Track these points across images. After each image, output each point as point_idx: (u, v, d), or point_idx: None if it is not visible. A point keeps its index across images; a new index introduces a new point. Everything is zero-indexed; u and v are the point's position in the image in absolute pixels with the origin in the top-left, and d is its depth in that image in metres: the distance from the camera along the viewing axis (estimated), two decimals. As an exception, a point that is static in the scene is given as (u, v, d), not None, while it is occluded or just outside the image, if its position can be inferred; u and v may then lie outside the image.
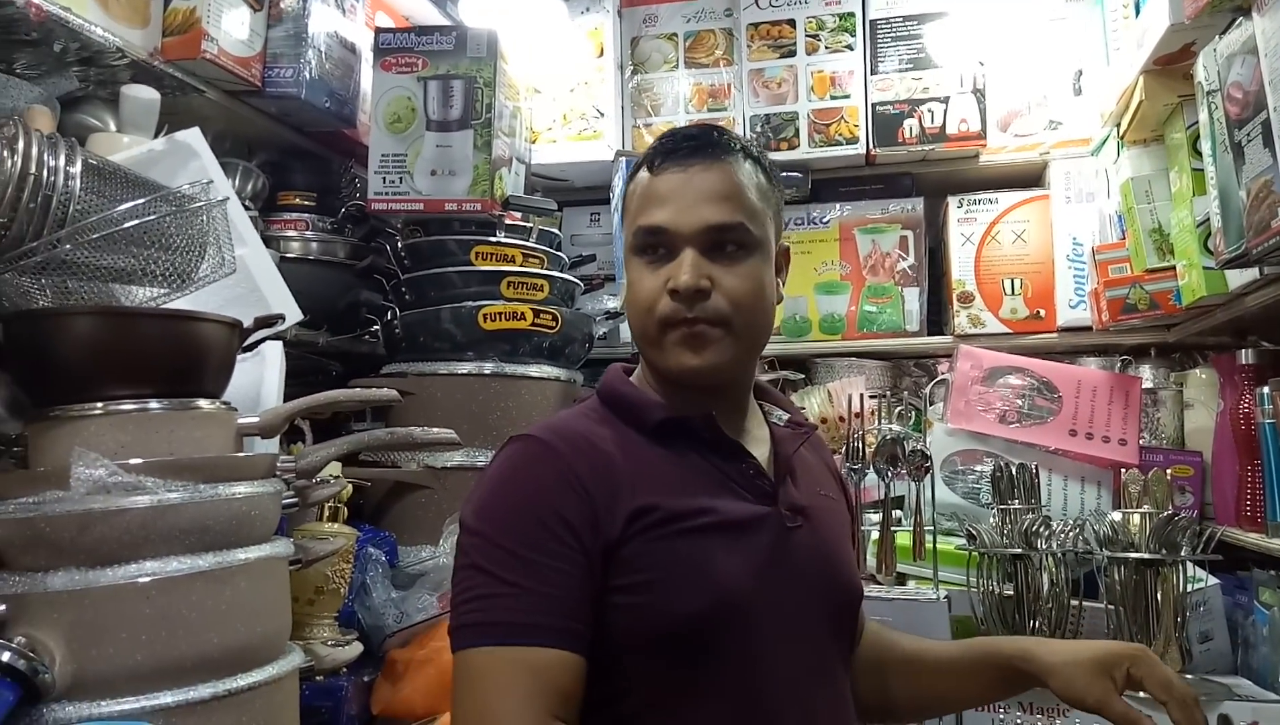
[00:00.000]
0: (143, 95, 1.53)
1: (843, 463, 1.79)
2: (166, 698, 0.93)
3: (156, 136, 1.54)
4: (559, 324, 1.86)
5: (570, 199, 2.36)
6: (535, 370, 1.84)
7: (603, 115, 2.26)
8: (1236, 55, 1.28)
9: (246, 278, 1.42)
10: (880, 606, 1.59)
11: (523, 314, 1.81)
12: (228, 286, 1.35)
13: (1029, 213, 2.16)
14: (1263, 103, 1.19)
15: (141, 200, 1.06)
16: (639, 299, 0.98)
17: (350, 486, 1.49)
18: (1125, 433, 1.88)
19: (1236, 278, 1.50)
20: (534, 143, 2.24)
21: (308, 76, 1.81)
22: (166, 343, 1.06)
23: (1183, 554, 1.53)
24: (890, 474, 1.73)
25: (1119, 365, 2.06)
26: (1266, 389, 1.51)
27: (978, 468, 1.89)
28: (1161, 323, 1.91)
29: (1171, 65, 1.61)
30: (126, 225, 1.04)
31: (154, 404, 1.04)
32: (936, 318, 2.27)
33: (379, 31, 1.96)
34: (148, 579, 0.94)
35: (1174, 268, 1.74)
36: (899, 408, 1.97)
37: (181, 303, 1.18)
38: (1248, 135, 1.26)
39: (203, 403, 1.09)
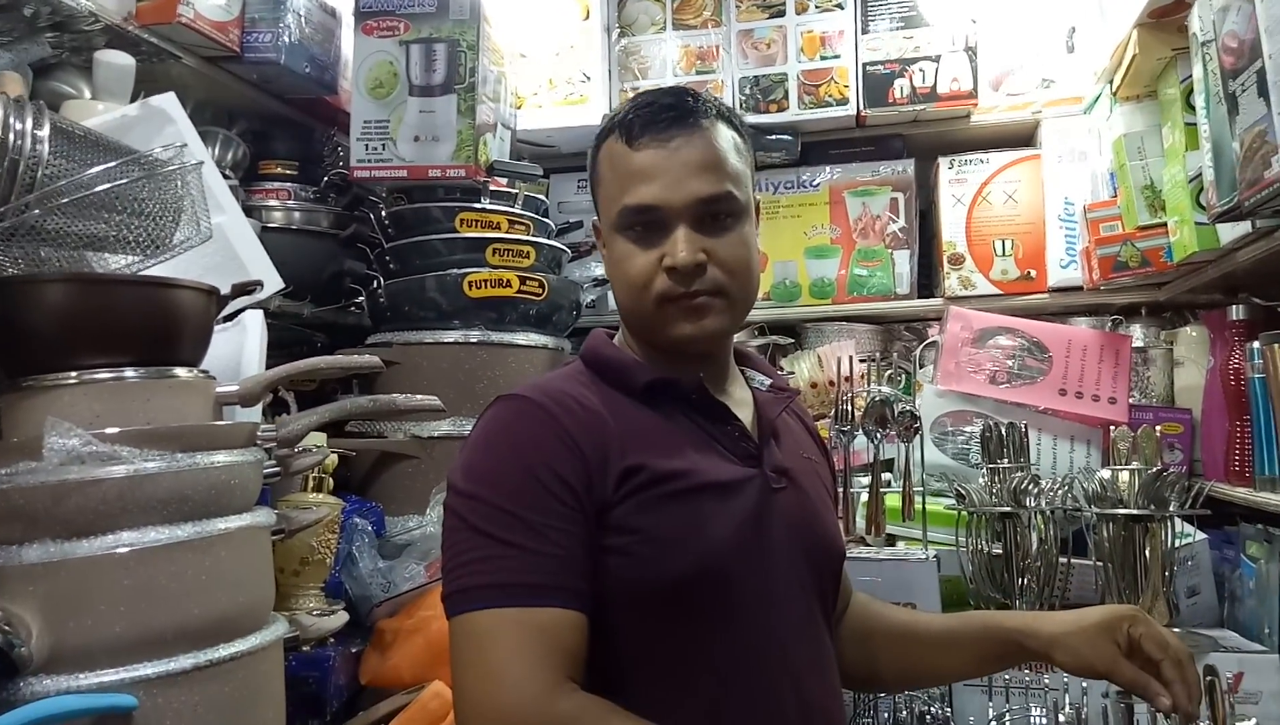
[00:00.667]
0: (117, 61, 1.50)
1: (832, 425, 1.78)
2: (147, 669, 0.92)
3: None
4: (546, 291, 1.85)
5: (557, 165, 2.33)
6: (522, 338, 1.83)
7: (589, 79, 2.22)
8: (1232, 4, 1.26)
9: (225, 246, 1.40)
10: (870, 567, 1.60)
11: (509, 281, 1.79)
12: (206, 255, 1.33)
13: (1020, 173, 2.14)
14: (1258, 51, 1.17)
15: (113, 164, 1.03)
16: (631, 277, 0.97)
17: (335, 457, 1.48)
18: (1115, 391, 1.88)
19: (1228, 232, 1.49)
20: (519, 108, 2.20)
21: (287, 41, 1.78)
22: (142, 310, 1.04)
23: (1171, 510, 1.53)
24: (879, 436, 1.72)
25: (1109, 324, 2.04)
26: (1257, 344, 1.50)
27: (967, 429, 1.89)
28: (1152, 281, 1.90)
29: (1166, 18, 1.58)
30: (97, 189, 1.01)
31: (130, 373, 1.02)
32: (927, 280, 2.26)
33: (359, -7, 1.92)
34: (126, 549, 0.93)
35: (1165, 225, 1.72)
36: (889, 371, 1.96)
37: (158, 270, 1.16)
38: (1242, 85, 1.23)
39: (180, 371, 1.07)
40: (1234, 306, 1.67)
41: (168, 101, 1.39)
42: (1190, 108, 1.56)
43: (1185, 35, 1.50)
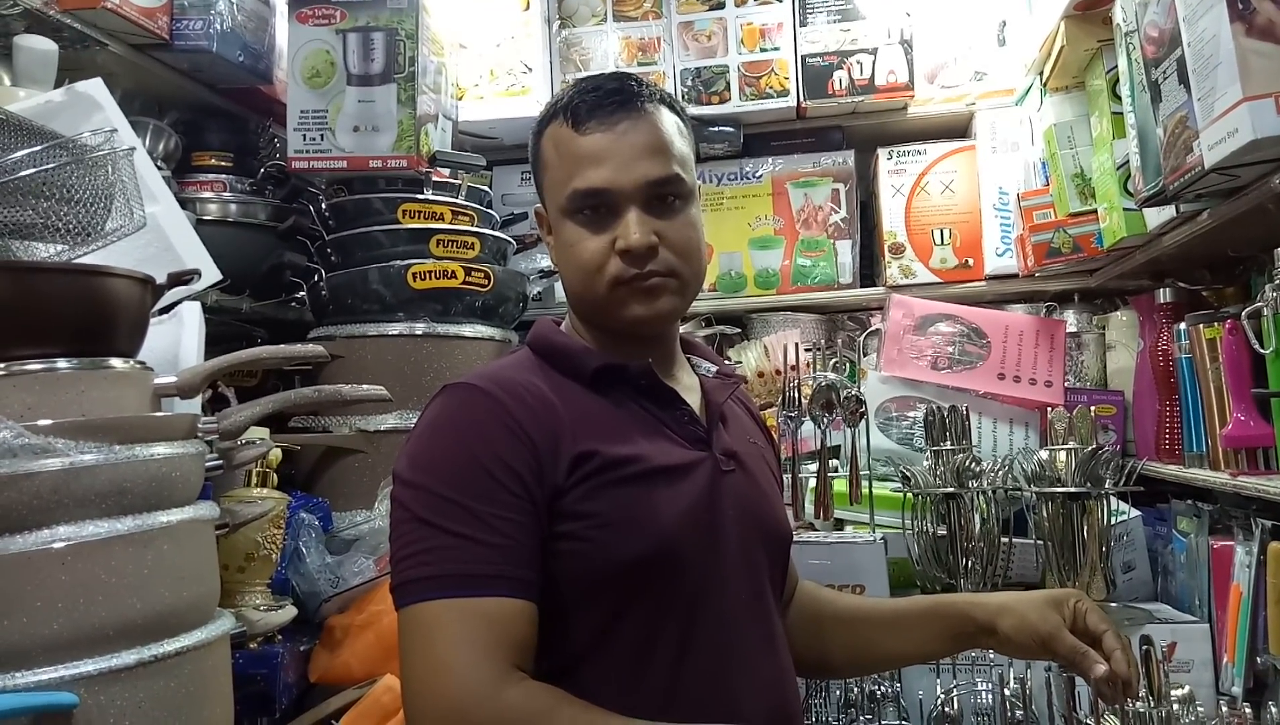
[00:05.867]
0: (38, 46, 1.45)
1: (779, 412, 1.80)
2: (88, 666, 0.89)
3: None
4: (491, 282, 1.83)
5: (500, 157, 2.31)
6: (469, 330, 1.81)
7: (531, 70, 2.21)
8: (1152, -5, 1.30)
9: (159, 236, 1.36)
10: (819, 550, 1.62)
11: (453, 272, 1.78)
12: (140, 246, 1.29)
13: (956, 163, 2.19)
14: (1178, 40, 1.22)
15: (38, 148, 1.00)
16: (583, 261, 0.97)
17: (279, 451, 1.45)
18: (1051, 375, 1.93)
19: (1154, 217, 1.54)
20: (461, 99, 2.18)
21: (219, 29, 1.73)
22: (73, 299, 1.01)
23: (1106, 487, 1.58)
24: (826, 421, 1.74)
25: (1044, 310, 2.11)
26: (1183, 326, 1.56)
27: (911, 414, 1.93)
28: (1084, 268, 1.96)
29: (1091, 10, 1.63)
30: (21, 174, 0.98)
31: (62, 363, 0.99)
32: (869, 270, 2.30)
33: (294, -19, 1.88)
34: (62, 544, 0.90)
35: (1095, 211, 1.78)
36: (834, 360, 1.99)
37: (90, 260, 1.12)
38: (1164, 73, 1.28)
39: (115, 362, 1.04)
40: (1161, 290, 1.73)
41: (94, 87, 1.34)
42: (1116, 97, 1.61)
43: (1110, 26, 1.56)
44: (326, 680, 1.39)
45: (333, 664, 1.39)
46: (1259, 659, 1.39)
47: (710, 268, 2.23)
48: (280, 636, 1.35)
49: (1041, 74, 1.92)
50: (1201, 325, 1.48)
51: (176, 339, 1.31)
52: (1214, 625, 1.55)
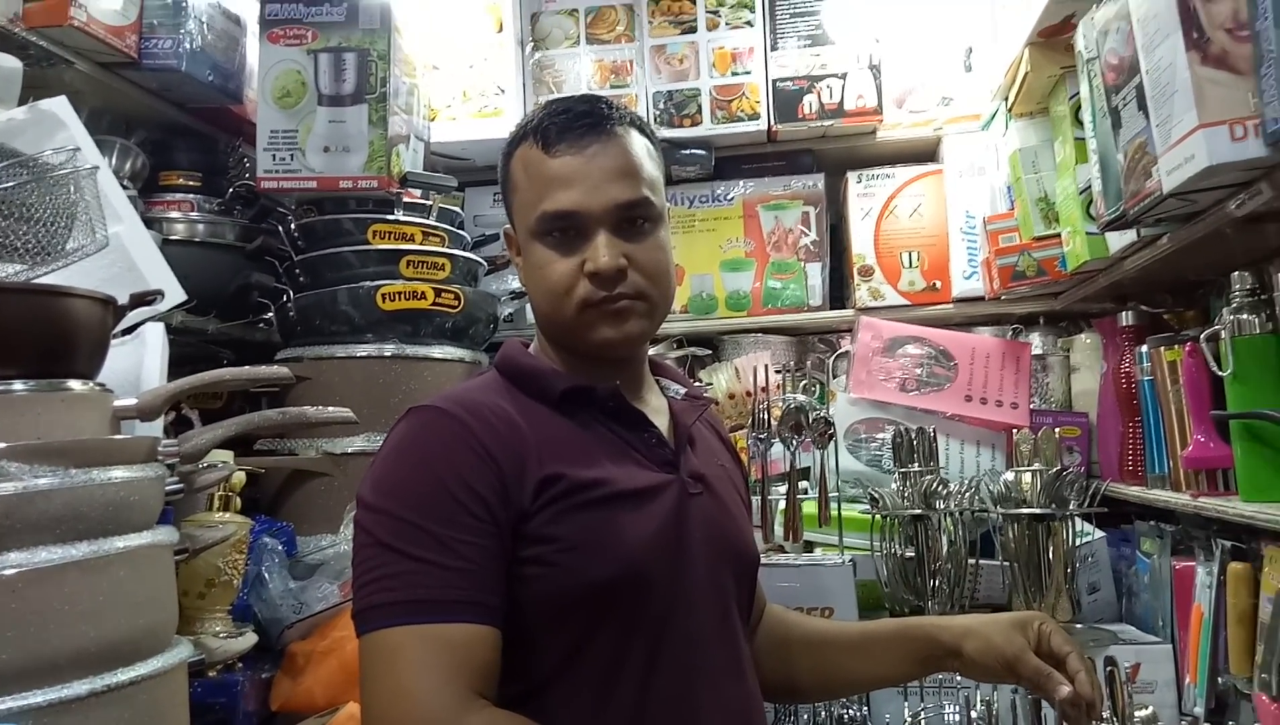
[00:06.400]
0: (3, 64, 1.43)
1: (749, 434, 1.80)
2: (37, 697, 0.87)
3: (19, 109, 1.44)
4: (462, 303, 1.83)
5: (472, 179, 2.31)
6: (438, 351, 1.80)
7: (504, 92, 2.22)
8: (1112, 23, 1.33)
9: (123, 256, 1.35)
10: (788, 573, 1.62)
11: (423, 293, 1.77)
12: (103, 266, 1.28)
13: (924, 187, 2.22)
14: (1136, 67, 1.24)
15: (-3, 167, 0.99)
16: (551, 284, 0.97)
17: (243, 475, 1.43)
18: (1017, 397, 1.95)
19: (1116, 241, 1.57)
20: (433, 121, 2.18)
21: (188, 48, 1.73)
22: (30, 319, 0.99)
23: (1071, 508, 1.59)
24: (795, 443, 1.75)
25: (1010, 333, 2.13)
26: (1145, 348, 1.58)
27: (880, 436, 1.94)
28: (1049, 291, 1.99)
29: (1054, 38, 1.67)
30: (-21, 194, 0.96)
31: (18, 385, 0.97)
32: (839, 293, 2.31)
33: (265, 1, 1.87)
34: (13, 571, 0.88)
35: (1059, 235, 1.81)
36: (804, 381, 2.00)
37: (50, 279, 1.11)
38: (1124, 99, 1.31)
39: (74, 384, 1.02)
40: (1123, 313, 1.75)
41: (58, 105, 1.33)
42: (1079, 123, 1.64)
43: (1072, 54, 1.59)
44: (289, 708, 1.37)
45: (295, 692, 1.37)
46: (1220, 679, 1.41)
47: (682, 290, 2.24)
48: (241, 664, 1.32)
49: (1006, 100, 1.95)
50: (1162, 347, 1.51)
51: (139, 360, 1.29)
52: (1177, 646, 1.56)
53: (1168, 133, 1.17)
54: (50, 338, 1.00)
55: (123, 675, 0.93)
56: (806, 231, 2.26)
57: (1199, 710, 1.45)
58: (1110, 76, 1.36)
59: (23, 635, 0.87)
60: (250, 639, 1.30)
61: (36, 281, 1.06)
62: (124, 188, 1.57)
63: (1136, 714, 1.32)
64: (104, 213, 1.16)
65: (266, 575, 1.41)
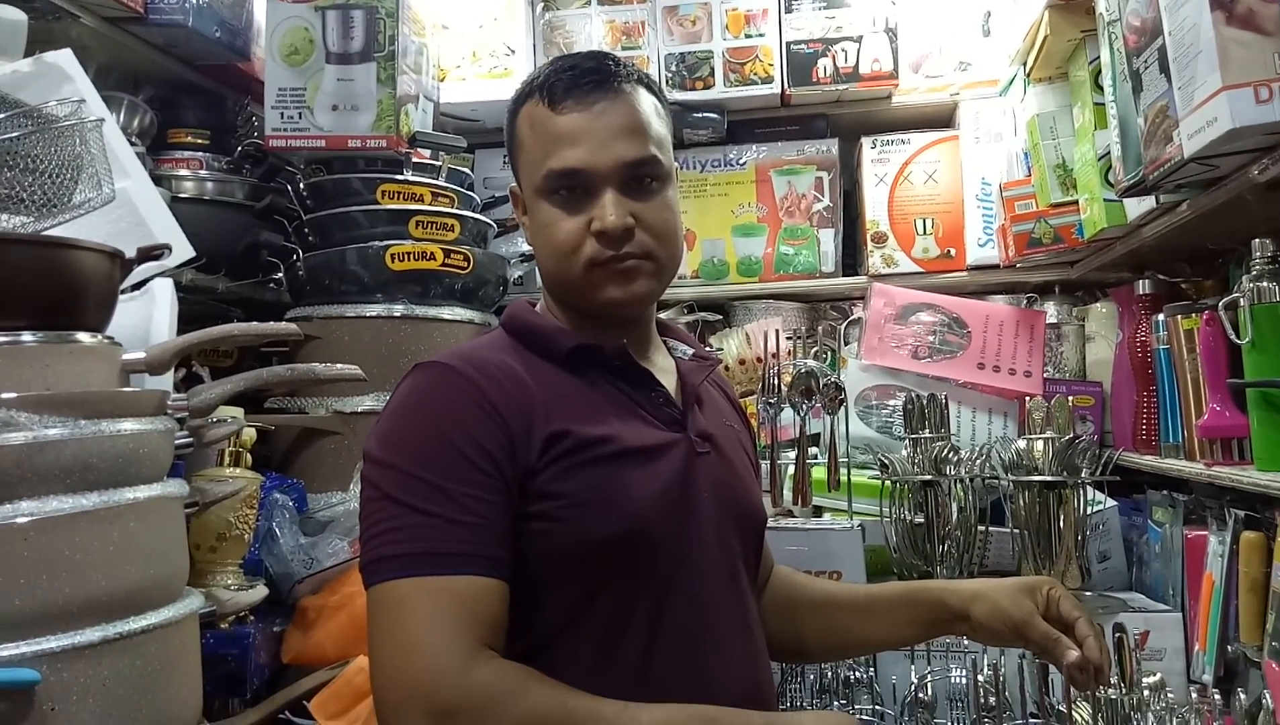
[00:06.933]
0: (8, 16, 1.41)
1: (759, 399, 1.80)
2: (50, 643, 0.87)
3: (26, 62, 1.43)
4: (471, 265, 1.82)
5: (482, 141, 2.29)
6: (448, 312, 1.80)
7: (514, 53, 2.19)
8: (1135, -16, 1.30)
9: (131, 212, 1.34)
10: (797, 537, 1.62)
11: (432, 254, 1.76)
12: (110, 221, 1.27)
13: (940, 153, 2.19)
14: (1159, 29, 1.21)
15: (1, 116, 0.97)
16: (558, 242, 0.96)
17: (254, 432, 1.43)
18: (1030, 365, 1.94)
19: (1135, 208, 1.55)
20: (442, 81, 2.16)
21: (195, 3, 1.71)
22: (38, 272, 0.99)
23: (1083, 477, 1.58)
24: (805, 408, 1.74)
25: (1025, 301, 2.11)
26: (1161, 317, 1.56)
27: (891, 402, 1.93)
28: (1064, 260, 1.97)
29: (1074, 0, 1.63)
30: (-15, 143, 0.95)
31: (27, 336, 0.97)
32: (851, 259, 2.29)
33: (272, -43, 1.85)
34: (25, 519, 0.88)
35: (1077, 202, 1.78)
36: (815, 348, 1.99)
37: (58, 232, 1.10)
38: (1145, 62, 1.28)
39: (82, 336, 1.02)
40: (1140, 282, 1.73)
41: (64, 58, 1.32)
42: (1099, 88, 1.61)
43: (1093, 17, 1.56)
44: (299, 661, 1.38)
45: (306, 645, 1.38)
46: (1230, 647, 1.41)
47: (693, 255, 2.22)
48: (253, 617, 1.33)
49: (1025, 64, 1.92)
50: (1179, 316, 1.49)
51: (148, 316, 1.29)
52: (1186, 614, 1.56)
53: (1190, 96, 1.14)
54: (57, 290, 1.00)
55: (134, 624, 0.93)
56: (819, 197, 2.23)
57: (1207, 677, 1.45)
58: (1132, 39, 1.33)
59: (35, 583, 0.88)
60: (261, 591, 1.30)
61: (43, 233, 1.06)
62: (132, 145, 1.56)
63: (1144, 680, 1.32)
64: (111, 167, 1.15)
65: (277, 531, 1.42)
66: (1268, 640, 1.24)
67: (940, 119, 2.25)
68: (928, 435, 1.70)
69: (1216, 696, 1.34)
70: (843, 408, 1.74)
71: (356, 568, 1.31)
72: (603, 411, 0.95)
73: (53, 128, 1.01)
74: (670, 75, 2.18)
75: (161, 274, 1.35)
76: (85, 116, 1.07)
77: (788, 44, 2.16)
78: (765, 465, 1.69)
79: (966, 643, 1.52)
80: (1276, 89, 1.03)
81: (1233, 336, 1.29)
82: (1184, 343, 1.47)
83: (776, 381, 1.77)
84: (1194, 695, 1.41)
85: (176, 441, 1.08)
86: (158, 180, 1.66)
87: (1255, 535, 1.34)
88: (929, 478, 1.64)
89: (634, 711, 0.81)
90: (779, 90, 2.16)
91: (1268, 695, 1.19)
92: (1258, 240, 1.29)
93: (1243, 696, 1.28)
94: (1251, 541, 1.34)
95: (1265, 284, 1.25)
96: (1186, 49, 1.14)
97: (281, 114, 1.79)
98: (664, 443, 0.96)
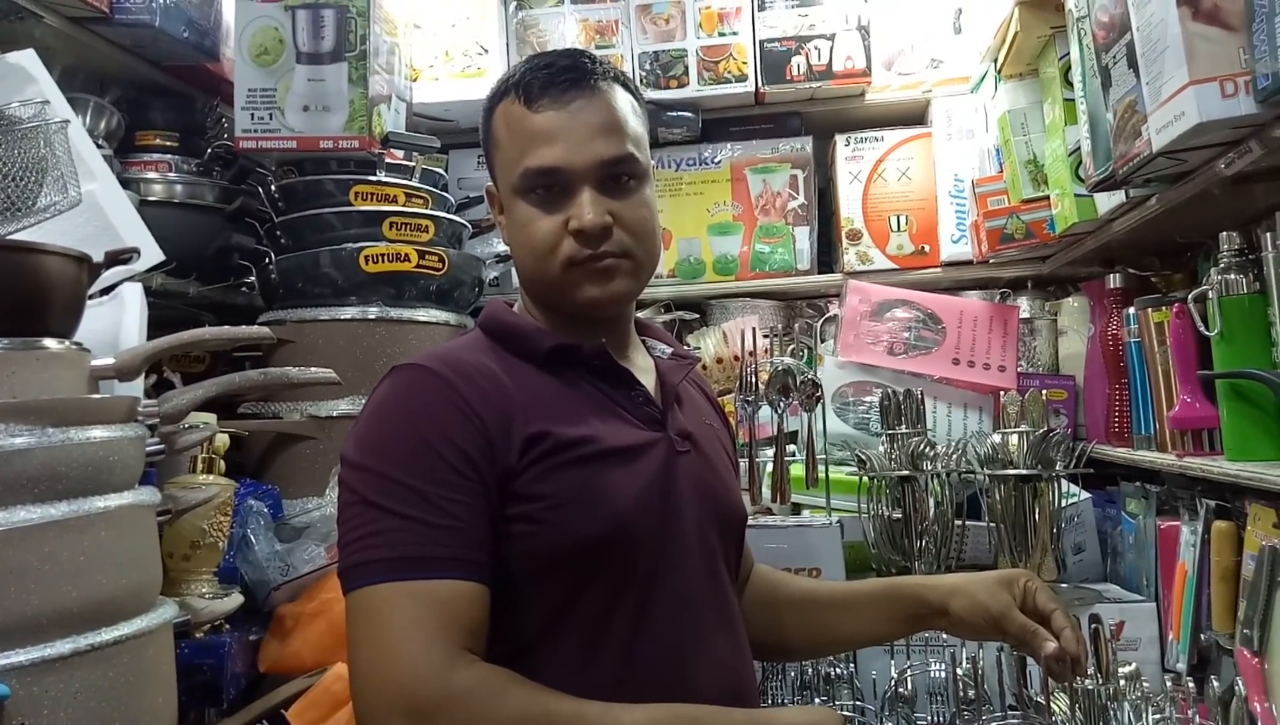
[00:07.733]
0: (-31, 17, 1.39)
1: (736, 397, 1.80)
2: (20, 656, 0.85)
3: (-12, 64, 1.40)
4: (446, 266, 1.81)
5: (456, 141, 2.27)
6: (423, 314, 1.78)
7: (487, 52, 2.18)
8: (1103, -19, 1.31)
9: (98, 216, 1.32)
10: (776, 534, 1.62)
11: (406, 255, 1.75)
12: (77, 225, 1.25)
13: (913, 150, 2.20)
14: (1126, 25, 1.23)
15: (-38, 119, 0.96)
16: (535, 242, 0.95)
17: (227, 438, 1.41)
18: (1004, 360, 1.96)
19: (1105, 203, 1.56)
20: (415, 81, 2.14)
21: (162, 3, 1.68)
22: (3, 277, 0.96)
23: (1057, 469, 1.60)
24: (783, 405, 1.74)
25: (998, 297, 2.13)
26: (1132, 310, 1.58)
27: (868, 399, 1.94)
28: (1037, 255, 1.99)
29: (1044, -3, 1.65)
30: (-55, 146, 0.93)
31: (-9, 343, 0.95)
32: (827, 257, 2.30)
33: (240, -45, 1.83)
34: (-9, 530, 0.87)
35: (1048, 197, 1.80)
36: (791, 346, 1.99)
37: (23, 237, 1.08)
38: (1114, 58, 1.29)
39: (50, 342, 1.00)
40: (1111, 276, 1.75)
41: (27, 59, 1.29)
42: (1068, 84, 1.63)
43: (1063, 13, 1.57)
44: (277, 670, 1.37)
45: (283, 653, 1.36)
46: (1203, 635, 1.42)
47: (669, 254, 2.22)
48: (228, 626, 1.32)
49: (996, 61, 1.93)
50: (1150, 309, 1.51)
51: (117, 321, 1.27)
52: (1160, 604, 1.58)
53: (1158, 90, 1.16)
54: (23, 295, 0.98)
55: (106, 635, 0.92)
56: (794, 195, 2.24)
57: (1181, 666, 1.47)
58: (1100, 35, 1.35)
59: (3, 595, 0.86)
60: (236, 599, 1.29)
61: (8, 238, 1.04)
62: (99, 147, 1.53)
63: (1120, 670, 1.34)
64: (77, 170, 1.13)
65: (252, 537, 1.40)
66: (1238, 628, 1.25)
67: (913, 116, 2.27)
68: (904, 431, 1.71)
69: (1190, 684, 1.35)
70: (820, 405, 1.75)
71: (334, 574, 1.30)
72: (582, 412, 0.94)
73: (16, 130, 0.99)
74: (644, 74, 2.17)
75: (131, 279, 1.33)
76: (49, 118, 1.05)
77: (761, 42, 2.16)
78: (744, 463, 1.69)
79: (945, 637, 1.53)
80: (1242, 83, 1.05)
81: (1202, 328, 1.31)
82: (1154, 335, 1.49)
83: (754, 379, 1.77)
84: (1169, 684, 1.43)
85: (148, 448, 1.06)
86: (126, 183, 1.63)
87: (1226, 525, 1.36)
88: (906, 473, 1.65)
89: (617, 712, 0.81)
90: (753, 88, 2.17)
91: (1239, 682, 1.21)
92: (1225, 233, 1.30)
93: (1216, 684, 1.29)
94: (1222, 531, 1.36)
95: (1233, 276, 1.27)
96: (1154, 44, 1.15)
97: (252, 115, 1.77)
98: (644, 442, 0.96)
